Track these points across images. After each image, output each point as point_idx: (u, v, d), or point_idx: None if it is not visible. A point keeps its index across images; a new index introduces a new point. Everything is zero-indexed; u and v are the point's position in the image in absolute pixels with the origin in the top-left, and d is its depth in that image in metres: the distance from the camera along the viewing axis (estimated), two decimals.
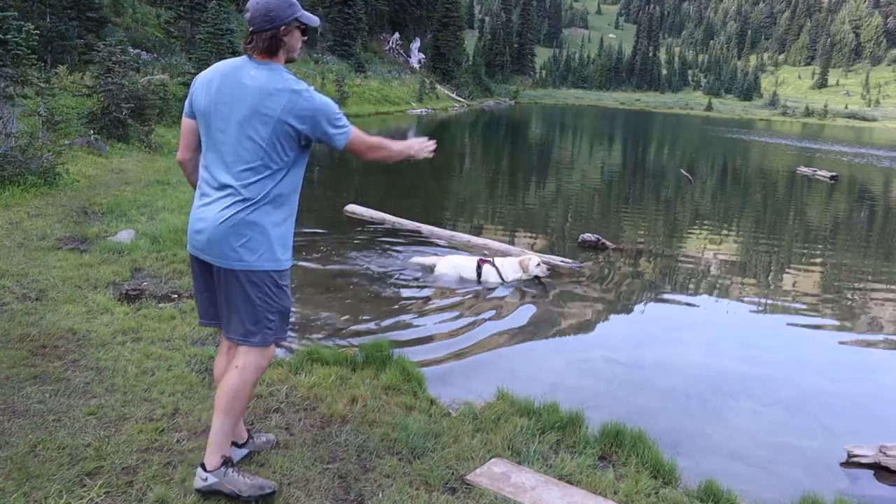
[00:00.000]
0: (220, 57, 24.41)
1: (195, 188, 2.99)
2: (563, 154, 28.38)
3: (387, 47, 61.28)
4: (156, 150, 14.61)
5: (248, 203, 2.77)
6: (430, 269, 7.74)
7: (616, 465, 3.71)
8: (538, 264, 7.63)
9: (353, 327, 5.85)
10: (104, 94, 14.21)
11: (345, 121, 2.88)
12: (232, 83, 2.80)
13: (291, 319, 4.94)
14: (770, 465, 4.27)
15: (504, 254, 8.51)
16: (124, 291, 5.74)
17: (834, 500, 3.62)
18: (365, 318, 6.13)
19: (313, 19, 2.92)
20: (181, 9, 28.59)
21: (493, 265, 7.58)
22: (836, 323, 7.43)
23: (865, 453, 4.29)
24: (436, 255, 8.17)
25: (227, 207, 2.78)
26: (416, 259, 7.97)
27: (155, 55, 26.83)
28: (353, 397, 4.06)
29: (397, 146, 3.17)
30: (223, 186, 2.80)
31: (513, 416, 4.01)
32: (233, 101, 2.78)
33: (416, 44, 65.48)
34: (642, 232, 11.74)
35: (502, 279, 7.48)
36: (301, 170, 2.93)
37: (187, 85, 22.67)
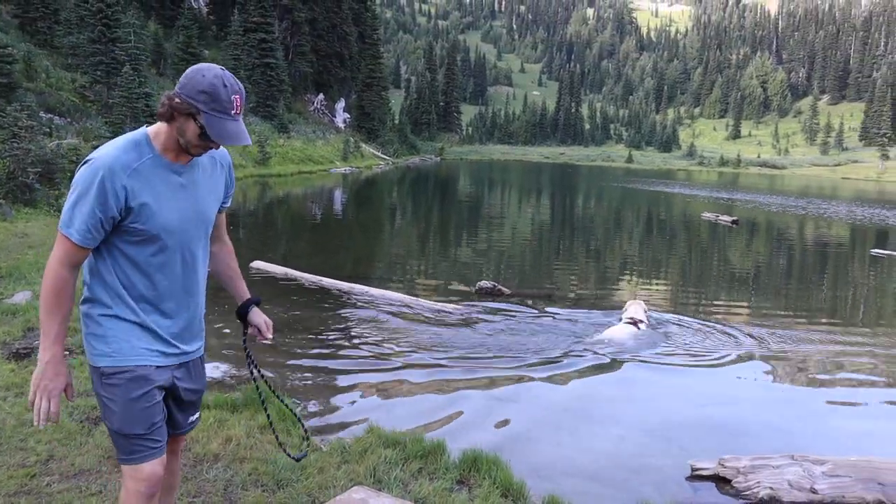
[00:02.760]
0: (136, 121, 24.57)
1: None
2: (492, 208, 29.10)
3: (311, 108, 61.93)
4: None
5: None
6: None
7: (472, 487, 4.02)
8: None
9: (244, 373, 6.05)
10: (10, 158, 14.14)
11: (66, 213, 2.25)
12: None
13: None
14: (624, 483, 4.64)
15: (413, 307, 8.86)
16: (14, 350, 5.82)
17: None
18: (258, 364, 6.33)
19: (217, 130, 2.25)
20: (97, 73, 28.57)
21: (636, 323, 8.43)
22: (711, 353, 7.94)
23: (707, 466, 4.71)
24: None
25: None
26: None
27: (69, 119, 26.62)
28: (228, 437, 4.28)
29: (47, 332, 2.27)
30: None
31: (379, 448, 4.29)
32: None
33: (340, 104, 66.34)
34: (573, 279, 12.27)
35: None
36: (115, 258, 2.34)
37: None
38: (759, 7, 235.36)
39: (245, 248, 14.11)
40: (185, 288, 2.44)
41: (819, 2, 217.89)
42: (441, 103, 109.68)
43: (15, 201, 13.97)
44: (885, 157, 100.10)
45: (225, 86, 2.23)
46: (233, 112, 2.24)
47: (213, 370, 6.16)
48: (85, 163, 2.24)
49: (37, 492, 3.51)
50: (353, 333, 7.81)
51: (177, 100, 2.22)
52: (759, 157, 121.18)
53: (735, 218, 23.61)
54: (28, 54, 27.71)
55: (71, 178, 12.04)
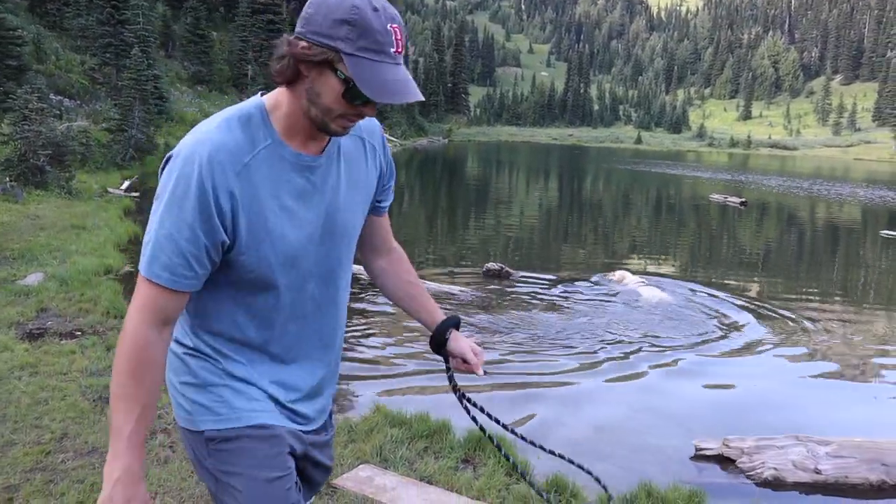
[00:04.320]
0: (145, 104, 24.63)
1: None
2: (500, 191, 29.08)
3: None
4: (75, 196, 14.63)
5: None
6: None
7: (477, 466, 4.08)
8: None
9: None
10: (21, 141, 14.22)
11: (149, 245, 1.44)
12: None
13: None
14: (628, 462, 4.70)
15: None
16: (28, 330, 5.91)
17: (668, 485, 4.04)
18: None
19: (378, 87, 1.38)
20: (106, 55, 28.62)
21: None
22: (717, 333, 7.97)
23: (711, 446, 4.76)
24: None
25: None
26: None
27: (79, 102, 26.72)
28: None
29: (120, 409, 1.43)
30: None
31: (385, 427, 4.35)
32: None
33: None
34: (580, 261, 12.30)
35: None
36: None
37: (111, 131, 22.80)
38: None
39: None
40: (320, 334, 1.67)
41: None
42: (449, 84, 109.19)
43: (26, 183, 14.06)
44: None
45: (375, 9, 1.37)
46: (393, 50, 1.39)
47: None
48: (168, 159, 1.45)
49: (52, 468, 3.58)
50: (359, 315, 7.87)
51: (302, 44, 1.38)
52: (769, 138, 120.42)
53: (744, 199, 23.53)
54: (38, 36, 27.80)
55: (82, 159, 11.79)
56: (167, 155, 1.45)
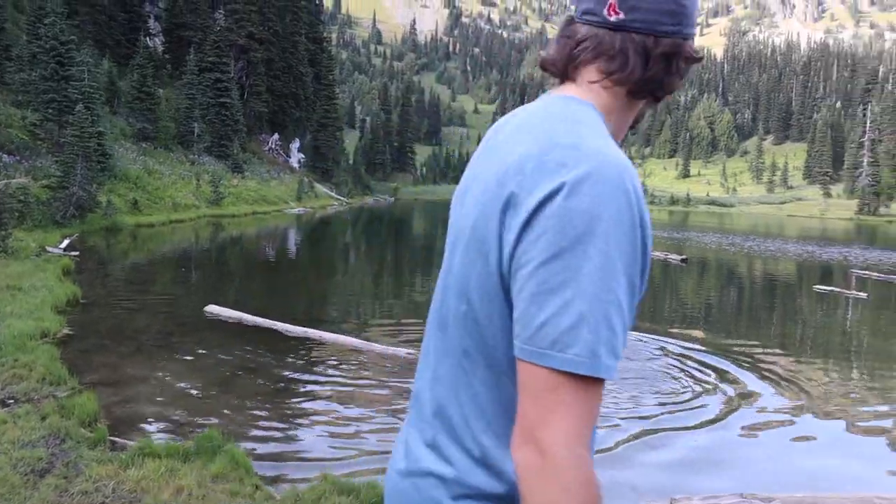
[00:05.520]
0: (88, 161, 24.26)
1: None
2: (445, 248, 29.21)
3: (266, 147, 61.83)
4: (11, 255, 14.20)
5: None
6: None
7: None
8: None
9: (198, 419, 5.98)
10: None
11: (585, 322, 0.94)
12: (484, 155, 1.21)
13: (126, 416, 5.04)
14: None
15: (380, 354, 8.86)
16: None
17: None
18: (212, 410, 6.27)
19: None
20: (49, 111, 28.17)
21: None
22: (663, 387, 8.06)
23: None
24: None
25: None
26: None
27: (18, 158, 26.14)
28: (180, 487, 4.21)
29: None
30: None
31: (333, 496, 4.26)
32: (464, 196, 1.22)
33: (295, 144, 66.34)
34: None
35: None
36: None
37: (52, 188, 22.35)
38: (706, 51, 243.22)
39: (198, 291, 13.97)
40: None
41: (762, 47, 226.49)
42: (395, 144, 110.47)
43: None
44: (828, 194, 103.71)
45: None
46: None
47: (161, 415, 6.06)
48: (593, 180, 0.97)
49: None
50: (306, 379, 7.76)
51: (667, 33, 1.09)
52: (707, 195, 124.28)
53: (684, 256, 24.11)
54: None
55: (20, 217, 11.57)
56: (578, 175, 0.96)
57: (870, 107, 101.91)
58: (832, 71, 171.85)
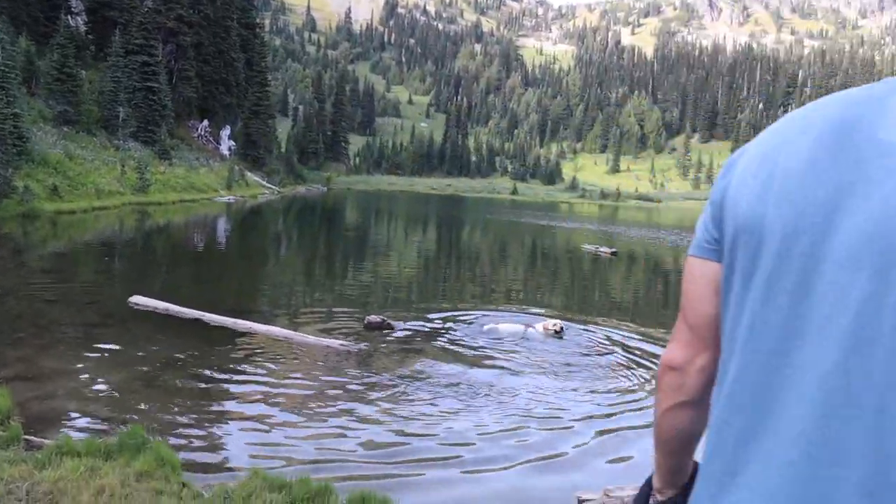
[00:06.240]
0: (3, 144, 23.15)
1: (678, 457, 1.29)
2: (379, 239, 29.05)
3: (195, 134, 60.27)
4: None
5: None
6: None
7: None
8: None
9: (121, 415, 5.75)
10: None
11: None
12: (857, 148, 0.92)
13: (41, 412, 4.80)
14: None
15: (300, 343, 8.70)
16: None
17: None
18: (136, 406, 6.03)
19: None
20: None
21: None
22: (595, 378, 8.15)
23: (591, 497, 4.80)
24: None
25: None
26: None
27: None
28: (101, 487, 4.03)
29: None
30: None
31: (263, 492, 4.14)
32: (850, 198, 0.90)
33: (226, 131, 64.84)
34: (460, 310, 12.31)
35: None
36: None
37: None
38: (636, 49, 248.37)
39: (123, 281, 13.51)
40: None
41: (690, 48, 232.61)
42: (329, 133, 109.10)
43: None
44: None
45: None
46: None
47: (81, 411, 5.81)
48: None
49: None
50: (236, 371, 7.57)
51: None
52: (636, 191, 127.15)
53: (614, 249, 24.59)
54: None
55: None
56: None
57: (790, 108, 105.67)
58: (756, 73, 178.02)
